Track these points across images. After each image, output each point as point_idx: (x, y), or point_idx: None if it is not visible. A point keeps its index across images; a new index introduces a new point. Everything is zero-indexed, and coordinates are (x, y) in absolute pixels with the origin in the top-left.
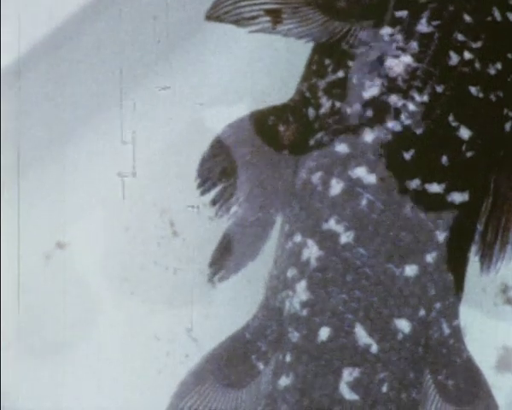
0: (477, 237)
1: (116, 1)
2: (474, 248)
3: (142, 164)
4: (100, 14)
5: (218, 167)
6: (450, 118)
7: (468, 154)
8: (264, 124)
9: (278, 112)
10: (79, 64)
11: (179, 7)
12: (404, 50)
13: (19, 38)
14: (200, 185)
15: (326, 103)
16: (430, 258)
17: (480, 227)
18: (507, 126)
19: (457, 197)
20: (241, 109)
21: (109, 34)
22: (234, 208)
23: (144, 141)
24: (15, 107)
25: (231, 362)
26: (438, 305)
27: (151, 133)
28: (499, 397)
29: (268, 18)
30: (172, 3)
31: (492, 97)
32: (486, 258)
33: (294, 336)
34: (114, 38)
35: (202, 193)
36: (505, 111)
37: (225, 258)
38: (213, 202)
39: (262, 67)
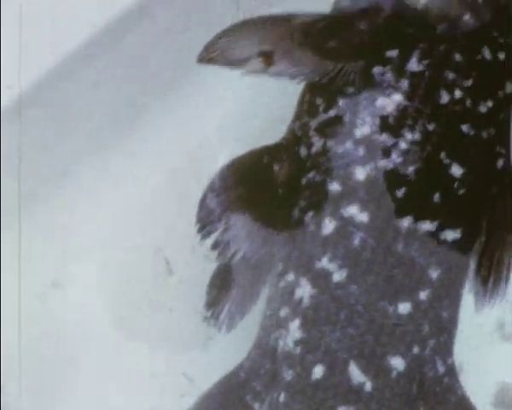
0: (471, 274)
1: (116, 39)
2: (468, 285)
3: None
4: (101, 51)
5: (217, 210)
6: (442, 156)
7: (461, 191)
8: (260, 163)
9: (272, 151)
10: (81, 100)
11: (172, 48)
12: (395, 89)
13: (19, 73)
14: (200, 230)
15: (318, 142)
16: (423, 295)
17: (473, 264)
18: (499, 163)
19: (450, 235)
20: (237, 150)
21: (109, 71)
22: (234, 249)
23: (139, 179)
24: (16, 144)
25: (226, 403)
26: (432, 342)
27: (145, 172)
28: None
29: (260, 60)
30: (165, 44)
31: (484, 135)
32: (480, 295)
33: (288, 374)
34: (115, 75)
35: (203, 238)
36: (497, 148)
37: (224, 299)
38: (214, 246)
39: (256, 108)
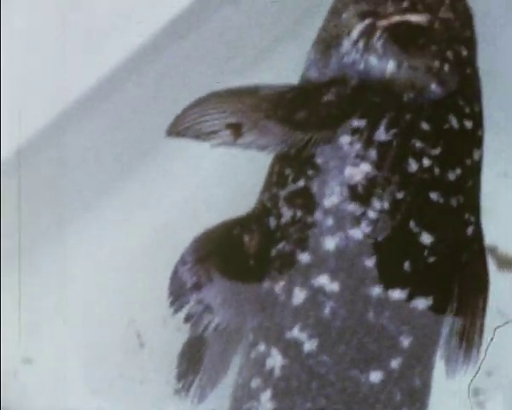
0: (442, 341)
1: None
2: (439, 353)
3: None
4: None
5: (189, 282)
6: (411, 224)
7: (431, 259)
8: (230, 234)
9: (242, 222)
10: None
11: (144, 118)
12: (363, 159)
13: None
14: (172, 303)
15: (287, 213)
16: (395, 364)
17: (445, 331)
18: (468, 230)
19: (421, 303)
20: (209, 220)
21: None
22: (207, 320)
23: (113, 249)
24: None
25: None
26: None
27: (119, 243)
28: None
29: (229, 132)
30: (137, 114)
31: (453, 203)
32: (453, 361)
33: None
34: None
35: (176, 311)
36: (466, 216)
37: (195, 371)
38: (187, 319)
39: (227, 178)
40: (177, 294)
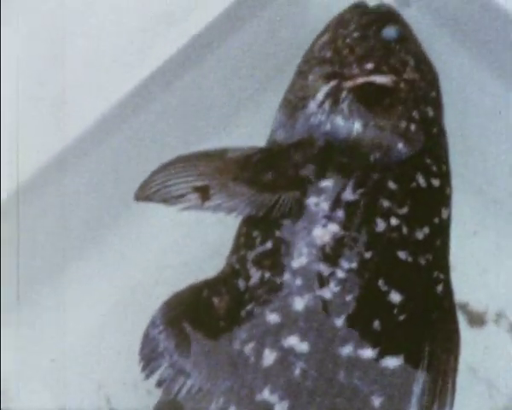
0: (414, 400)
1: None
2: None
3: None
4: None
5: (160, 346)
6: (380, 283)
7: (401, 317)
8: (200, 297)
9: (211, 284)
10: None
11: (110, 183)
12: (330, 219)
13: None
14: (144, 368)
15: (255, 274)
16: None
17: (416, 390)
18: (438, 288)
19: (391, 361)
20: (178, 283)
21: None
22: (179, 384)
23: (81, 315)
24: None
25: None
26: None
27: (88, 307)
28: None
29: (196, 195)
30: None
31: (422, 261)
32: None
33: None
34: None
35: (147, 376)
36: (435, 274)
37: None
38: (159, 384)
39: (195, 241)
40: (149, 358)
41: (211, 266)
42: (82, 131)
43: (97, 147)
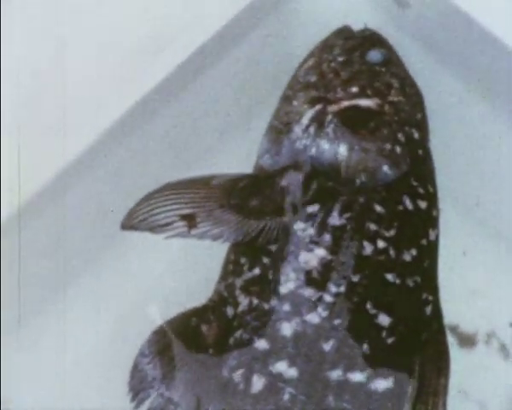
0: None
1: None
2: None
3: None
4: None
5: (149, 376)
6: (368, 306)
7: (390, 340)
8: (188, 325)
9: (200, 313)
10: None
11: (99, 212)
12: (317, 244)
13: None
14: (133, 398)
15: (244, 301)
16: None
17: None
18: (427, 310)
19: (381, 384)
20: (167, 311)
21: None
22: None
23: (76, 341)
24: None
25: None
26: None
27: (75, 339)
28: None
29: (183, 223)
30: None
31: (410, 283)
32: None
33: None
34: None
35: (137, 406)
36: (424, 295)
37: None
38: None
39: (184, 269)
40: (138, 388)
41: (199, 294)
42: (81, 152)
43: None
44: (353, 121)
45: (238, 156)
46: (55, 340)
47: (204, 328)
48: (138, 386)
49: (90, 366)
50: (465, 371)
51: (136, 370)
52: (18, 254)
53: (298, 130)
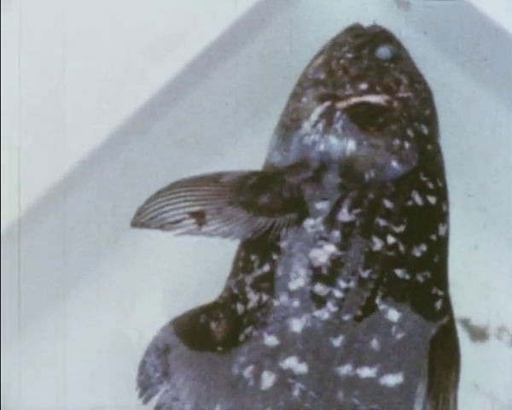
0: None
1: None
2: None
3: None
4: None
5: (157, 373)
6: (378, 301)
7: (399, 335)
8: (197, 323)
9: (209, 310)
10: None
11: (107, 211)
12: (327, 240)
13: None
14: (141, 394)
15: (254, 298)
16: None
17: (417, 408)
18: (437, 305)
19: (391, 380)
20: (176, 309)
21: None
22: (178, 408)
23: (83, 342)
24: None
25: None
26: None
27: (86, 336)
28: None
29: (193, 220)
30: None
31: (420, 278)
32: None
33: None
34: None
35: (145, 401)
36: (434, 290)
37: None
38: (158, 408)
39: (194, 265)
40: (146, 384)
41: (210, 291)
42: (81, 159)
43: (96, 174)
44: (362, 118)
45: (248, 154)
46: (55, 341)
47: (213, 325)
48: (146, 382)
49: (91, 368)
50: (476, 364)
51: (143, 367)
52: (18, 257)
53: (306, 126)
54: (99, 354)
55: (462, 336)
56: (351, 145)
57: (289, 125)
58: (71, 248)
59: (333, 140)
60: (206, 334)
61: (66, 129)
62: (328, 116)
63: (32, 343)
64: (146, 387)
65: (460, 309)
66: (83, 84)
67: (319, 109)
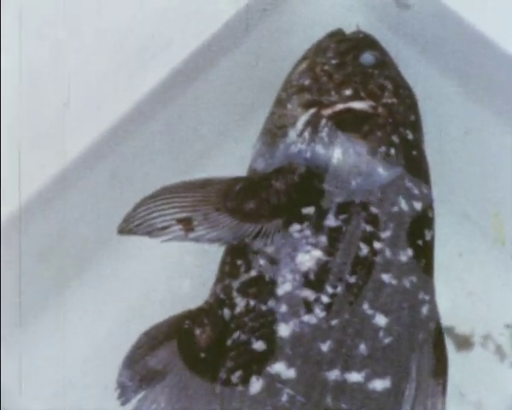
0: None
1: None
2: None
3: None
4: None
5: (137, 375)
6: (365, 306)
7: (386, 340)
8: (180, 328)
9: (193, 315)
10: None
11: (94, 217)
12: (313, 245)
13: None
14: (120, 395)
15: (241, 303)
16: None
17: None
18: (423, 310)
19: (379, 384)
20: (160, 314)
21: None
22: None
23: (68, 350)
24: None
25: None
26: None
27: (72, 343)
28: None
29: (179, 226)
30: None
31: (406, 283)
32: None
33: None
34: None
35: (123, 403)
36: (420, 295)
37: None
38: None
39: (181, 271)
40: (125, 386)
41: (195, 297)
42: (81, 153)
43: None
44: (347, 124)
45: (235, 159)
46: (55, 341)
47: (197, 331)
48: (126, 384)
49: (90, 366)
50: (461, 373)
51: (124, 369)
52: (18, 254)
53: (292, 134)
54: (97, 349)
55: (447, 344)
56: (337, 153)
57: (275, 132)
58: (70, 241)
59: (319, 148)
60: (190, 340)
61: (64, 124)
62: (313, 124)
63: (31, 337)
64: (125, 388)
65: (444, 317)
66: (78, 84)
67: (305, 117)
